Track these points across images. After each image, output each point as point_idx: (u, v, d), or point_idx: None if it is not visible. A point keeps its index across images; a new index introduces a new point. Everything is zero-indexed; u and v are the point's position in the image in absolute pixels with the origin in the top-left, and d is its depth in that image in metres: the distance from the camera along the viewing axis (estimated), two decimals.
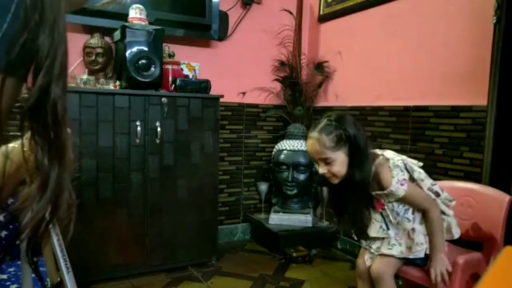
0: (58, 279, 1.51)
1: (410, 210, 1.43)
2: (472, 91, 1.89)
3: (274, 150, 2.75)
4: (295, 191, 2.65)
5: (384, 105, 2.36)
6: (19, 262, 1.56)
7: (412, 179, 1.41)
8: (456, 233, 1.45)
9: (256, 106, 2.89)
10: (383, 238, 1.46)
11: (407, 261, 1.45)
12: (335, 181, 1.39)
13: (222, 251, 2.61)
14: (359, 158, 1.35)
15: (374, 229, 1.47)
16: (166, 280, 2.17)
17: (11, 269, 1.55)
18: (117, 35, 2.19)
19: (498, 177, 1.61)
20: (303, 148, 2.64)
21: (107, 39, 2.30)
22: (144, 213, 2.15)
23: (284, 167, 2.63)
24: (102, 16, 2.22)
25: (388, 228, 1.44)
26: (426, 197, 1.41)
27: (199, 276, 2.24)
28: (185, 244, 2.29)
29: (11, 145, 0.54)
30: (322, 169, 1.39)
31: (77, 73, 2.22)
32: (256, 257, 2.58)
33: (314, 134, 1.37)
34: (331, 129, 1.35)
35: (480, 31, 1.83)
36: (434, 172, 2.07)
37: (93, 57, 2.20)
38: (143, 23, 2.17)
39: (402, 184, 1.36)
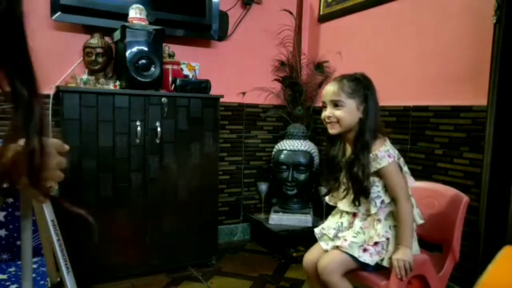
0: (58, 279, 1.51)
1: (380, 199, 1.39)
2: (472, 91, 1.89)
3: (274, 150, 2.75)
4: (295, 191, 2.65)
5: (384, 105, 2.34)
6: (19, 262, 1.56)
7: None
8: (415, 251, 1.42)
9: (256, 106, 2.89)
10: (350, 228, 1.43)
11: (358, 267, 1.39)
12: (334, 129, 1.41)
13: (222, 251, 2.61)
14: (369, 118, 1.38)
15: (347, 202, 1.46)
16: (166, 280, 2.17)
17: (11, 269, 1.55)
18: (117, 35, 2.19)
19: (498, 177, 1.61)
20: (303, 148, 2.64)
21: (107, 39, 2.30)
22: (144, 213, 2.15)
23: (284, 167, 2.63)
24: (102, 16, 2.22)
25: (359, 204, 1.42)
26: (405, 187, 1.39)
27: (199, 276, 2.24)
28: (185, 244, 2.29)
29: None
30: (327, 112, 1.41)
31: (77, 73, 2.22)
32: (256, 257, 2.58)
33: (336, 78, 1.44)
34: (353, 78, 1.42)
35: (480, 31, 1.83)
36: (434, 172, 2.07)
37: (93, 57, 2.20)
38: (143, 23, 2.18)
39: (389, 156, 1.36)
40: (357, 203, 1.42)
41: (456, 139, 1.97)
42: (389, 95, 2.33)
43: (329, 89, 1.41)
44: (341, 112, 1.39)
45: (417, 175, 2.13)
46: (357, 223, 1.43)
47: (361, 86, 1.40)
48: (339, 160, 1.49)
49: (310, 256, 1.51)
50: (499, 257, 0.67)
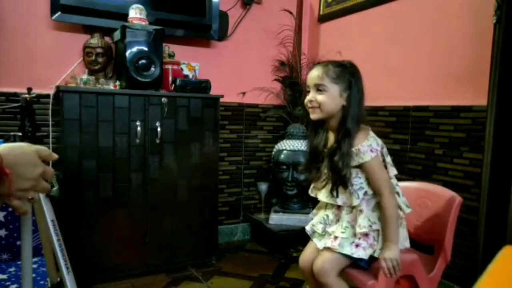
0: (58, 279, 1.51)
1: (363, 191, 1.37)
2: (472, 91, 1.89)
3: (274, 150, 2.75)
4: (295, 191, 2.65)
5: (384, 105, 2.36)
6: (19, 262, 1.57)
7: (383, 162, 1.39)
8: (402, 245, 1.40)
9: (256, 106, 2.90)
10: (337, 221, 1.43)
11: (352, 263, 1.38)
12: (315, 114, 1.38)
13: (222, 251, 2.61)
14: (352, 105, 1.35)
15: (326, 192, 1.44)
16: (166, 280, 2.17)
17: (11, 269, 1.56)
18: (117, 35, 2.20)
19: (498, 177, 1.61)
20: (303, 148, 2.64)
21: (107, 39, 2.30)
22: (144, 213, 2.15)
23: (284, 167, 2.63)
24: (102, 16, 2.23)
25: (337, 196, 1.40)
26: (387, 180, 1.36)
27: (199, 276, 2.24)
28: (185, 244, 2.29)
29: None
30: (310, 96, 1.39)
31: (77, 73, 2.22)
32: (256, 257, 2.58)
33: (322, 62, 1.41)
34: (340, 64, 1.38)
35: (480, 31, 1.83)
36: (434, 172, 2.07)
37: (93, 57, 2.20)
38: (143, 23, 2.18)
39: (372, 151, 1.34)
40: (334, 193, 1.39)
41: (456, 139, 1.97)
42: (389, 95, 2.33)
43: (314, 73, 1.38)
44: (323, 97, 1.35)
45: (417, 175, 2.14)
46: (344, 217, 1.41)
47: (346, 72, 1.36)
48: (321, 149, 1.46)
49: (304, 256, 1.51)
50: (499, 257, 0.67)
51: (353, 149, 1.34)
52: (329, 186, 1.42)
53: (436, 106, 2.07)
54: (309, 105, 1.40)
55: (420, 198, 1.60)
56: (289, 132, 2.74)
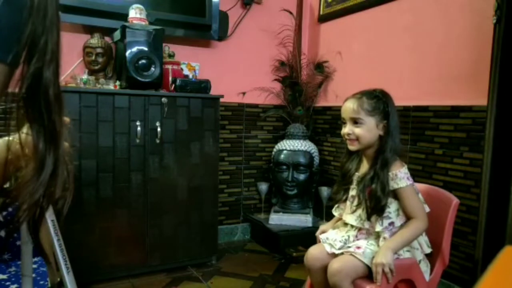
0: (58, 279, 1.51)
1: (389, 221, 1.37)
2: (472, 91, 1.89)
3: (274, 150, 2.75)
4: (295, 191, 2.65)
5: None
6: (19, 262, 1.56)
7: None
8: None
9: (256, 106, 2.89)
10: (368, 234, 1.42)
11: (368, 274, 1.35)
12: (354, 146, 1.41)
13: (222, 251, 2.61)
14: (391, 136, 1.37)
15: (353, 216, 1.44)
16: (166, 280, 2.17)
17: (11, 269, 1.56)
18: (117, 35, 2.19)
19: (498, 177, 1.61)
20: (303, 148, 2.64)
21: (107, 39, 2.30)
22: (144, 213, 2.15)
23: (284, 167, 2.63)
24: (102, 16, 2.22)
25: (369, 220, 1.40)
26: (423, 208, 1.37)
27: (199, 276, 2.24)
28: (185, 244, 2.29)
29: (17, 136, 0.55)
30: (347, 129, 1.41)
31: (77, 73, 2.22)
32: (256, 257, 2.58)
33: (356, 95, 1.42)
34: (373, 96, 1.41)
35: (480, 31, 1.83)
36: (434, 172, 2.07)
37: (93, 57, 2.20)
38: (143, 23, 2.18)
39: (408, 179, 1.36)
40: (369, 219, 1.39)
41: (456, 139, 1.97)
42: None
43: (348, 106, 1.40)
44: (360, 130, 1.38)
45: (417, 175, 2.14)
46: (366, 224, 1.42)
47: (381, 103, 1.39)
48: (352, 173, 1.48)
49: (313, 253, 1.49)
50: (499, 257, 0.67)
51: (390, 174, 1.36)
52: (359, 211, 1.42)
53: (436, 106, 2.07)
54: (346, 137, 1.42)
55: None
56: (289, 132, 2.74)
